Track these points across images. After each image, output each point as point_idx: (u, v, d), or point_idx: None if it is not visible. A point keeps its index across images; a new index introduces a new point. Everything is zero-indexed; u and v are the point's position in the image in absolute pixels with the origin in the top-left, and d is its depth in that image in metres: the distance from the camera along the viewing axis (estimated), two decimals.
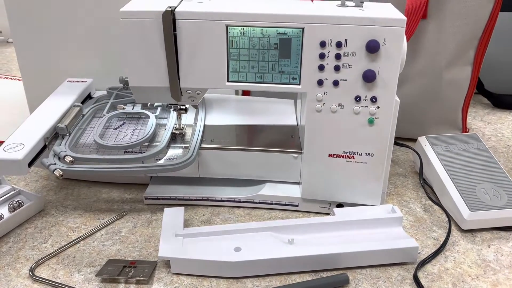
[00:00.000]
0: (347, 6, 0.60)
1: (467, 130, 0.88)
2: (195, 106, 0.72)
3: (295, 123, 0.76)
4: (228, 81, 0.61)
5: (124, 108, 0.77)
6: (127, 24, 0.59)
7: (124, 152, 0.67)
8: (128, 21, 0.58)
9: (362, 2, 0.60)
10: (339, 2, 0.62)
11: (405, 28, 0.56)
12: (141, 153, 0.67)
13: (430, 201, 0.72)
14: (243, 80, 0.61)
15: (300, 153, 0.67)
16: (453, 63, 0.82)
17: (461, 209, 0.64)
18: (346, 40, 0.57)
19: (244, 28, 0.58)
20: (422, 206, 0.71)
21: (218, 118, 0.76)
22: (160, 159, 0.67)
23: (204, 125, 0.74)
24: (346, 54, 0.58)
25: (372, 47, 0.57)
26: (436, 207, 0.70)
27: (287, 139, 0.71)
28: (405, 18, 0.56)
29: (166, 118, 0.75)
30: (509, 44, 1.02)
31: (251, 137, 0.71)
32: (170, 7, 0.58)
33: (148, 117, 0.74)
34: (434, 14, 0.79)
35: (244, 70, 0.61)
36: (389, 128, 0.61)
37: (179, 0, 0.62)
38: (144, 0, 0.63)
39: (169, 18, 0.57)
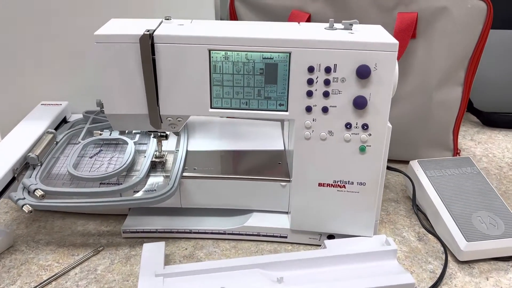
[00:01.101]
0: (336, 29, 0.57)
1: (458, 151, 0.86)
2: (177, 133, 0.68)
3: (283, 148, 0.72)
4: (211, 107, 0.58)
5: (101, 134, 0.72)
6: (102, 48, 0.55)
7: (100, 183, 0.63)
8: (103, 45, 0.54)
9: (351, 25, 0.58)
10: (327, 25, 0.59)
11: (397, 52, 0.53)
12: (119, 184, 0.63)
13: (424, 229, 0.69)
14: (227, 107, 0.58)
15: (288, 181, 0.64)
16: (444, 84, 0.80)
17: (457, 239, 0.61)
18: (335, 65, 0.54)
19: (228, 52, 0.55)
20: (416, 235, 0.68)
21: (201, 143, 0.73)
22: (139, 191, 0.63)
23: (187, 151, 0.70)
24: (335, 79, 0.55)
25: (363, 73, 0.54)
26: (430, 235, 0.67)
27: (274, 166, 0.67)
28: (397, 42, 0.53)
29: (145, 144, 0.71)
30: (498, 61, 1.01)
31: (236, 163, 0.68)
32: (148, 31, 0.54)
33: (126, 143, 0.70)
34: (423, 33, 0.76)
35: (228, 96, 0.57)
36: (382, 156, 0.58)
37: (158, 22, 0.59)
38: (120, 22, 0.59)
39: (147, 42, 0.54)
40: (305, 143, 0.58)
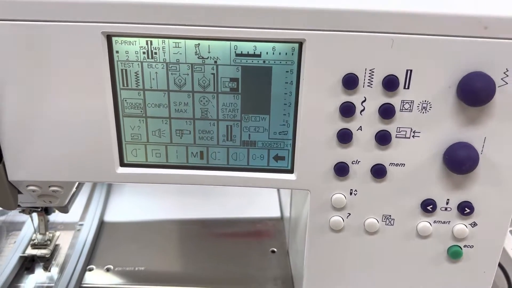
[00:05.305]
0: None
1: None
2: (64, 209, 0.35)
3: (279, 214, 0.41)
4: (122, 164, 0.26)
5: None
6: None
7: None
8: None
9: None
10: None
11: None
12: None
13: None
14: (158, 162, 0.26)
15: None
16: None
17: None
18: (409, 72, 0.23)
19: (154, 41, 0.23)
20: None
21: (131, 206, 0.41)
22: None
23: (101, 224, 0.38)
24: (407, 105, 0.24)
25: (476, 92, 0.23)
26: None
27: (262, 258, 0.36)
28: None
29: (24, 212, 0.39)
30: None
31: (192, 253, 0.36)
32: None
33: None
34: None
35: (160, 141, 0.26)
36: (494, 269, 0.28)
37: None
38: None
39: None
40: (331, 238, 0.27)
